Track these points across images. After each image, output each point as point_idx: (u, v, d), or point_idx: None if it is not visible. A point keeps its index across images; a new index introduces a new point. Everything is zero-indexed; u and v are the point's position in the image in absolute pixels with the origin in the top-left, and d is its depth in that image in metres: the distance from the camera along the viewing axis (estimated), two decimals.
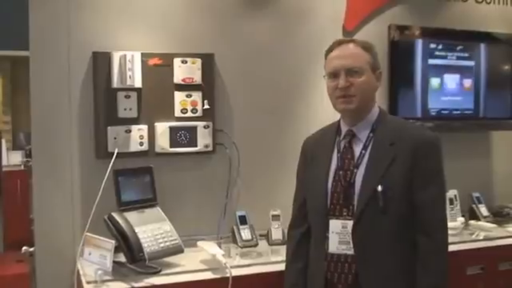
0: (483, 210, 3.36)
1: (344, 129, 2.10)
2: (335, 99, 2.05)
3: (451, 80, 3.38)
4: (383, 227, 1.94)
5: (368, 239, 1.95)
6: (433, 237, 1.93)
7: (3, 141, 6.02)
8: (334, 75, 2.04)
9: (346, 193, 2.00)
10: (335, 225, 2.01)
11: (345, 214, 1.99)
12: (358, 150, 2.03)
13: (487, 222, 3.28)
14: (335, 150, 2.09)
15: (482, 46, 3.50)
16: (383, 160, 1.96)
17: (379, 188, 1.92)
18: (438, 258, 1.94)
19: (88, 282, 2.24)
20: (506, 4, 3.67)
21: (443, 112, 3.37)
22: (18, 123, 7.36)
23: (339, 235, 2.00)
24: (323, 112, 3.09)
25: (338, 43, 2.09)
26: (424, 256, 1.93)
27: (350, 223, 1.97)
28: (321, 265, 2.04)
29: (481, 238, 3.04)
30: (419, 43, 3.31)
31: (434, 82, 3.34)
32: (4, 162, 5.75)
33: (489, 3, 3.61)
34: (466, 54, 3.43)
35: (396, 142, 1.98)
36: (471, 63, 3.44)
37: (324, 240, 2.03)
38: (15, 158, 6.01)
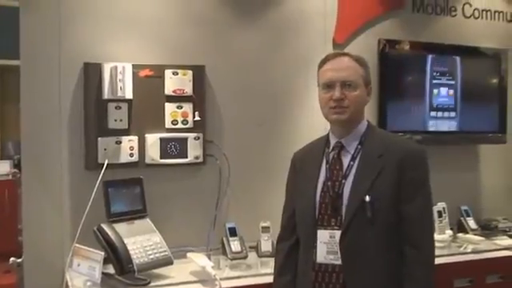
0: (471, 222, 3.39)
1: (333, 141, 2.12)
2: (328, 109, 2.07)
3: (439, 93, 3.41)
4: (371, 237, 1.95)
5: (355, 249, 1.96)
6: (419, 248, 1.95)
7: None
8: (328, 86, 2.05)
9: (334, 203, 2.01)
10: (323, 235, 2.02)
11: (333, 224, 2.00)
12: (346, 161, 2.05)
13: (475, 234, 3.31)
14: (324, 162, 2.11)
15: (470, 61, 3.54)
16: (371, 171, 1.99)
17: (367, 198, 1.94)
18: (425, 270, 1.95)
19: None
20: (494, 19, 3.72)
21: (432, 125, 3.39)
22: (6, 132, 7.31)
23: (327, 245, 2.00)
24: (313, 124, 3.12)
25: (334, 56, 2.11)
26: (410, 267, 1.94)
27: (338, 233, 1.98)
28: (309, 275, 2.04)
29: (469, 250, 3.07)
30: (410, 57, 3.34)
31: (423, 95, 3.37)
32: None
33: (477, 18, 3.66)
34: (454, 69, 3.47)
35: (384, 154, 2.00)
36: (458, 77, 3.48)
37: (312, 250, 2.04)
38: (3, 168, 5.95)
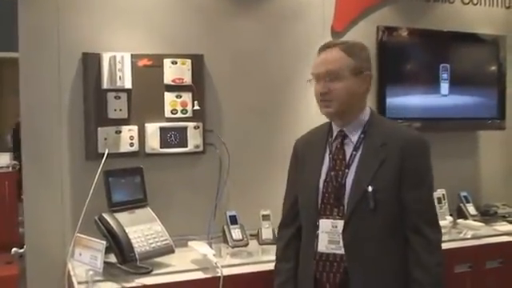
0: (471, 208, 3.40)
1: (335, 130, 2.11)
2: (319, 103, 2.08)
3: (438, 80, 3.42)
4: (373, 227, 1.95)
5: (358, 239, 1.97)
6: (424, 235, 1.95)
7: None
8: (316, 79, 2.07)
9: (337, 193, 2.01)
10: (325, 224, 2.03)
11: (335, 213, 2.01)
12: (349, 151, 2.05)
13: (475, 220, 3.33)
14: (327, 151, 2.11)
15: (469, 47, 3.55)
16: (374, 161, 1.98)
17: (369, 188, 1.94)
18: (432, 256, 1.95)
19: (79, 283, 2.25)
20: (492, 5, 3.72)
21: (431, 112, 3.40)
22: (4, 124, 7.33)
23: (329, 234, 2.01)
24: (312, 112, 3.12)
25: (325, 47, 2.09)
26: (417, 255, 1.94)
27: (341, 223, 1.99)
28: (310, 264, 2.06)
29: (469, 236, 3.08)
30: (408, 44, 3.35)
31: (422, 82, 3.38)
32: None
33: (475, 4, 3.66)
34: (453, 55, 3.48)
35: (386, 143, 1.99)
36: (457, 64, 3.48)
37: (314, 239, 2.05)
38: (3, 160, 5.97)
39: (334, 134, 2.11)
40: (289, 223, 2.23)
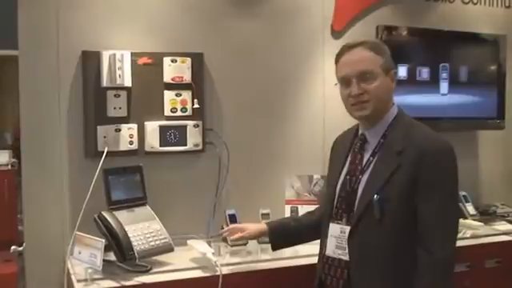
0: (470, 208, 3.40)
1: (360, 131, 2.06)
2: (350, 106, 1.99)
3: (437, 80, 3.42)
4: (379, 238, 1.89)
5: (363, 248, 1.93)
6: (431, 252, 1.84)
7: None
8: (345, 82, 1.98)
9: (349, 199, 1.98)
10: (334, 229, 2.01)
11: (345, 219, 1.99)
12: (366, 156, 1.99)
13: (474, 220, 3.33)
14: (350, 153, 2.06)
15: (469, 47, 3.55)
16: (387, 169, 1.90)
17: (376, 197, 1.88)
18: (436, 275, 1.83)
19: (78, 281, 2.25)
20: (492, 5, 3.72)
21: (430, 112, 3.40)
22: (3, 122, 7.32)
23: (337, 239, 1.99)
24: (312, 111, 3.14)
25: (347, 48, 2.01)
26: (420, 271, 1.85)
27: (348, 229, 1.96)
28: (319, 265, 2.07)
29: (468, 236, 3.08)
30: (408, 43, 3.34)
31: (422, 81, 3.38)
32: None
33: (475, 4, 3.66)
34: (453, 55, 3.48)
35: (403, 150, 1.89)
36: (457, 64, 3.48)
37: (324, 241, 2.05)
38: (2, 158, 5.98)
39: (358, 136, 2.07)
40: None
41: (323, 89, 3.15)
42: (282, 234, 2.32)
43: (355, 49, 1.99)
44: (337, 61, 2.04)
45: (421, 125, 2.01)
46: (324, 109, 3.16)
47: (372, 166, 1.96)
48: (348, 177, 2.01)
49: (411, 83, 3.33)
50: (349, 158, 2.05)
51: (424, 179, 1.86)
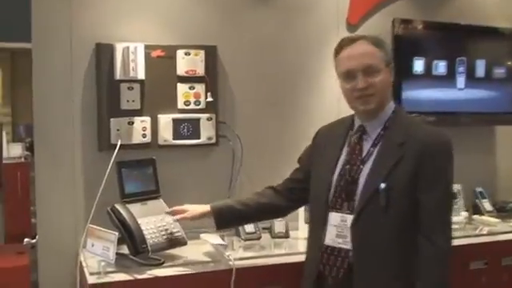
0: (487, 204, 3.37)
1: (357, 123, 2.09)
2: (354, 100, 2.02)
3: (454, 74, 3.38)
4: (383, 226, 1.92)
5: (366, 236, 1.95)
6: (433, 241, 1.90)
7: (3, 133, 6.04)
8: (349, 76, 2.00)
9: (349, 188, 2.00)
10: (334, 218, 2.01)
11: (345, 208, 2.00)
12: (366, 146, 2.02)
13: (491, 216, 3.29)
14: (346, 144, 2.09)
15: (486, 41, 3.51)
16: (390, 159, 1.95)
17: (382, 186, 1.92)
18: (436, 263, 1.90)
19: (91, 274, 2.25)
20: None
21: (447, 106, 3.37)
22: (17, 115, 7.37)
23: (337, 228, 2.00)
24: (325, 105, 3.12)
25: (348, 41, 2.03)
26: (422, 259, 1.91)
27: (350, 218, 1.97)
28: (315, 255, 2.06)
29: (484, 232, 3.05)
30: (425, 37, 3.31)
31: (438, 76, 3.34)
32: (4, 155, 5.77)
33: None
34: (470, 49, 3.43)
35: (405, 142, 1.95)
36: (474, 58, 3.44)
37: (321, 232, 2.04)
38: (15, 151, 6.03)
39: (355, 127, 2.09)
40: (278, 189, 2.33)
41: (337, 82, 3.11)
42: (227, 218, 2.35)
43: (357, 42, 2.02)
44: (336, 54, 2.07)
45: (417, 118, 2.20)
46: (338, 102, 3.12)
47: (374, 156, 1.99)
48: (347, 166, 2.02)
49: (427, 77, 3.30)
50: (345, 149, 2.08)
51: (426, 171, 1.92)
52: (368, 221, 1.94)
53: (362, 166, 2.00)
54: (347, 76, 2.01)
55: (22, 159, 5.79)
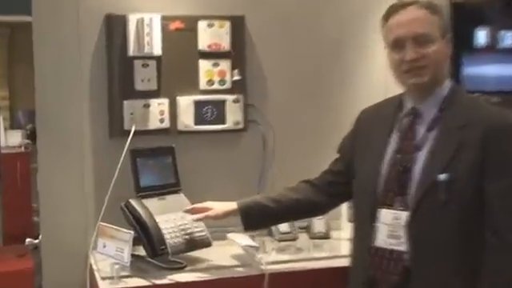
0: None
1: (408, 105, 2.07)
2: (403, 73, 2.00)
3: None
4: (443, 223, 1.90)
5: (425, 235, 1.93)
6: (502, 235, 1.86)
7: (0, 119, 6.12)
8: (397, 46, 1.99)
9: (402, 180, 1.98)
10: (385, 215, 2.00)
11: (397, 203, 1.98)
12: (421, 131, 2.00)
13: None
14: (395, 130, 2.07)
15: None
16: (449, 145, 1.92)
17: (441, 177, 1.89)
18: (506, 261, 1.86)
19: (103, 278, 2.27)
20: None
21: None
22: (16, 99, 7.48)
23: (389, 227, 1.98)
24: (369, 87, 3.08)
25: (399, 7, 2.02)
26: (489, 257, 1.88)
27: (404, 215, 1.95)
28: (364, 259, 2.05)
29: None
30: (487, 6, 3.27)
31: (504, 49, 3.30)
32: (2, 143, 5.86)
33: None
34: None
35: (467, 124, 1.92)
36: None
37: (370, 231, 2.03)
38: (14, 139, 6.11)
39: (406, 109, 2.07)
40: (316, 183, 2.32)
41: (385, 56, 3.08)
42: (256, 218, 2.35)
43: (409, 7, 2.00)
44: (385, 21, 2.06)
45: (482, 99, 2.14)
46: (384, 85, 3.09)
47: (430, 141, 1.97)
48: (398, 155, 2.01)
49: (492, 51, 3.26)
50: (394, 134, 2.06)
51: (493, 156, 1.88)
52: (425, 218, 1.92)
53: (416, 154, 1.98)
54: (395, 45, 2.00)
55: (22, 148, 5.87)
